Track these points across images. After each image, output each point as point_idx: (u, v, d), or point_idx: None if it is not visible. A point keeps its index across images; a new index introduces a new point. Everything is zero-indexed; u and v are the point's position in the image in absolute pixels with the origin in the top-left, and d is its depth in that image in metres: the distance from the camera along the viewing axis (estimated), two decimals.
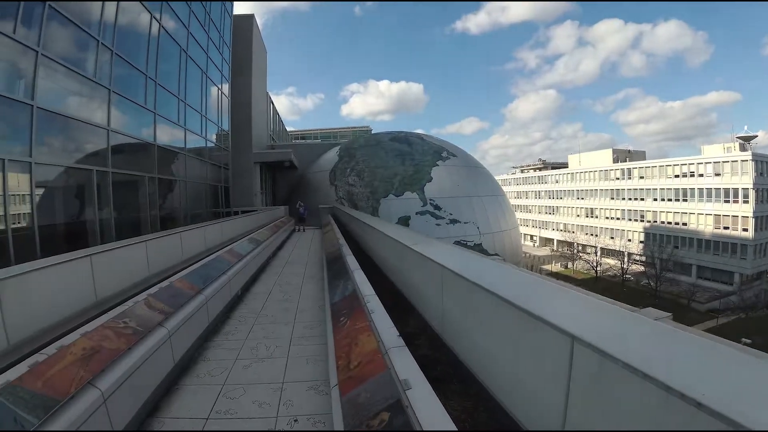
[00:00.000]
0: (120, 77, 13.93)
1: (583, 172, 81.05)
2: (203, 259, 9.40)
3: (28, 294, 5.04)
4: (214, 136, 25.48)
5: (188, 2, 20.49)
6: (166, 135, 17.93)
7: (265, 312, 8.90)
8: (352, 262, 7.91)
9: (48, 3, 10.13)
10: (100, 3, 12.75)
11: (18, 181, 9.61)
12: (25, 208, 9.89)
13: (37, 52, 9.92)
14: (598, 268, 61.78)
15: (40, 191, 10.26)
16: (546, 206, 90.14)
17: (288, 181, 42.35)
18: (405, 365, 3.40)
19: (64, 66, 11.05)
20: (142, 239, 8.17)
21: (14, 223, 9.42)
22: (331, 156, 39.86)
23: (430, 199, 33.69)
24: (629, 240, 67.61)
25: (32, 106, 9.78)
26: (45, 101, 10.21)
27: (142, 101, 15.59)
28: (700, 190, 57.67)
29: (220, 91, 26.55)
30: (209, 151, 24.19)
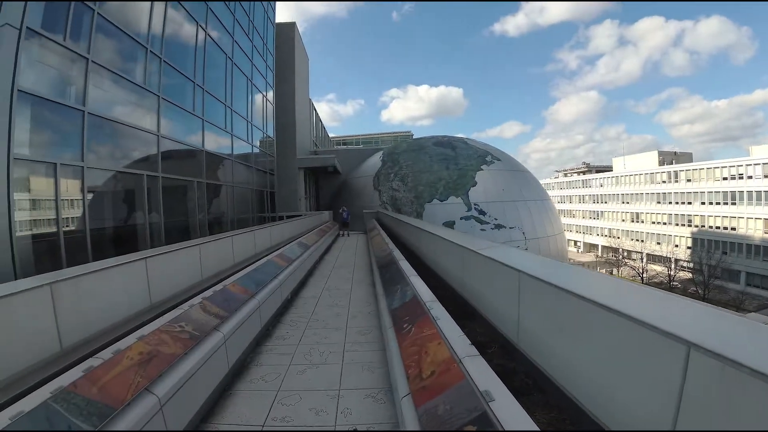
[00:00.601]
0: (168, 84, 14.17)
1: (628, 176, 78.62)
2: (254, 263, 9.31)
3: (83, 297, 4.97)
4: (259, 142, 25.77)
5: (232, 11, 20.79)
6: (214, 141, 18.17)
7: (316, 316, 8.71)
8: (406, 267, 7.63)
9: (97, 12, 10.32)
10: (148, 12, 12.99)
11: (69, 186, 9.79)
12: (77, 212, 10.07)
13: (87, 59, 10.11)
14: (644, 275, 59.36)
15: (91, 195, 10.43)
16: (590, 211, 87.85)
17: (331, 186, 42.59)
18: (483, 375, 3.09)
19: (114, 73, 11.27)
20: (196, 243, 8.13)
21: (66, 226, 9.58)
22: (375, 161, 39.84)
23: (475, 204, 33.16)
24: (676, 245, 64.93)
25: (83, 111, 9.97)
26: (95, 107, 10.40)
27: (190, 108, 15.83)
28: (749, 192, 54.97)
29: (264, 98, 26.86)
30: (255, 157, 24.45)
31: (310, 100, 43.58)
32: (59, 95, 9.48)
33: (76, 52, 9.84)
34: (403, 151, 39.06)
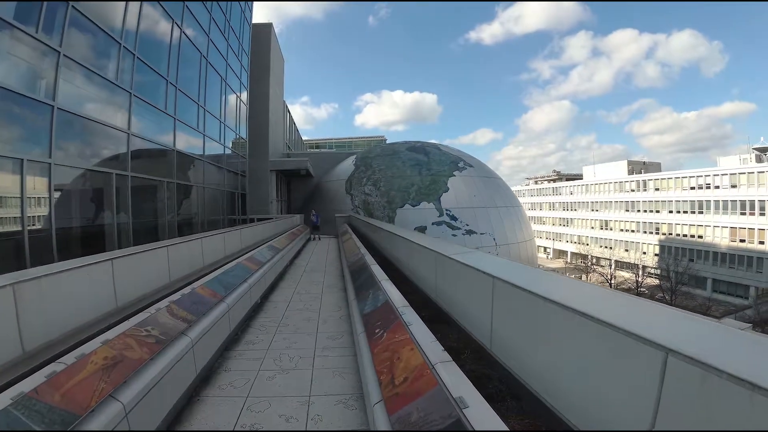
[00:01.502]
0: (141, 81, 13.89)
1: (597, 184, 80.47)
2: (224, 265, 9.16)
3: (46, 298, 4.80)
4: (232, 143, 25.49)
5: (209, 9, 20.53)
6: (185, 140, 17.87)
7: (286, 321, 8.62)
8: (378, 272, 7.61)
9: (71, 4, 10.06)
10: (123, 7, 12.72)
11: (36, 183, 9.48)
12: (43, 210, 9.75)
13: (59, 53, 9.85)
14: (613, 281, 60.68)
15: (58, 193, 10.13)
16: (560, 218, 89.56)
17: (303, 189, 42.27)
18: (456, 381, 3.09)
19: (86, 68, 10.99)
20: (164, 244, 7.95)
21: (31, 225, 9.26)
22: (347, 165, 39.70)
23: (447, 210, 33.37)
24: (644, 253, 66.78)
25: (53, 106, 9.69)
26: (65, 102, 10.12)
27: (162, 106, 15.56)
28: (716, 202, 57.11)
29: (238, 99, 26.58)
30: (227, 158, 24.16)
31: (284, 102, 43.25)
32: (28, 89, 9.18)
33: (48, 45, 9.56)
34: (376, 156, 39.06)
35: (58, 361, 3.78)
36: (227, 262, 9.60)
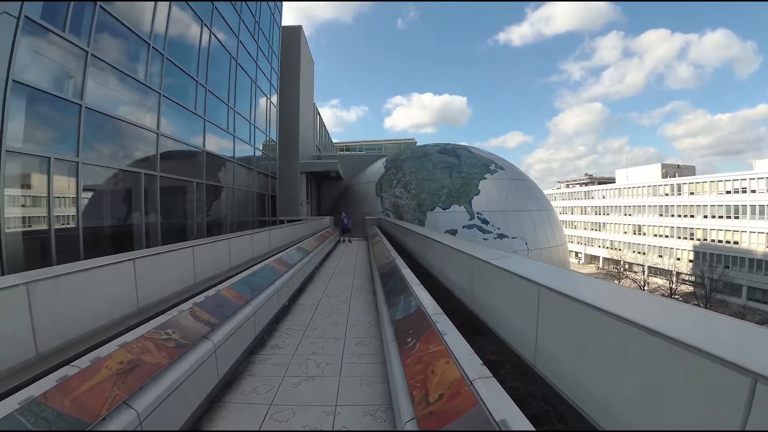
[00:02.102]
0: (170, 82, 13.91)
1: (630, 188, 78.59)
2: (251, 267, 8.98)
3: (63, 298, 4.62)
4: (262, 145, 25.51)
5: (238, 11, 20.59)
6: (215, 141, 17.89)
7: (314, 325, 8.37)
8: (410, 276, 7.28)
9: (99, 5, 10.07)
10: (152, 9, 12.75)
11: (63, 182, 9.48)
12: (70, 210, 9.73)
13: (87, 52, 9.86)
14: (646, 288, 58.88)
15: (85, 192, 10.12)
16: (592, 222, 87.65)
17: (333, 191, 42.28)
18: (498, 400, 2.75)
19: (115, 68, 11.01)
20: (189, 245, 7.77)
21: (58, 224, 9.25)
22: (377, 167, 39.53)
23: (478, 213, 32.84)
24: (678, 259, 64.81)
25: (81, 105, 9.68)
26: (94, 102, 10.14)
27: (192, 107, 15.55)
28: (753, 207, 55.06)
29: (268, 101, 26.64)
30: (257, 160, 24.17)
31: (314, 104, 43.38)
32: (57, 88, 9.20)
33: (76, 45, 9.58)
34: (407, 158, 38.76)
35: (71, 364, 3.59)
36: (255, 264, 9.42)
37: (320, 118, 50.03)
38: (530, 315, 3.65)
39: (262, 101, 25.37)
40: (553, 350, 3.39)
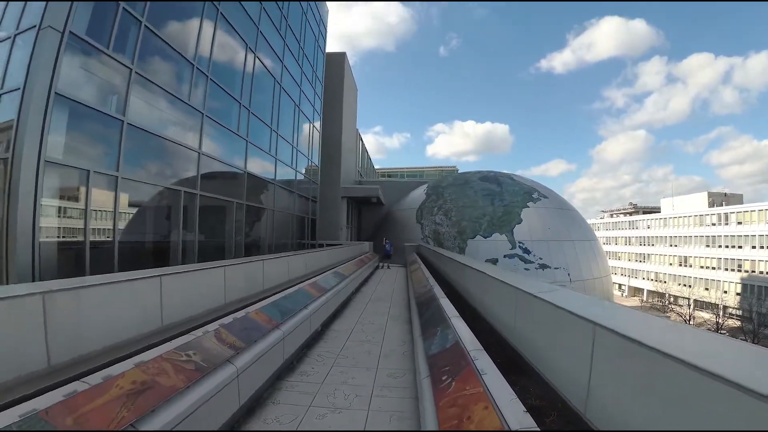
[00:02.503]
0: (213, 103, 14.10)
1: (676, 218, 75.87)
2: (285, 290, 8.75)
3: (82, 310, 4.44)
4: (304, 169, 25.64)
5: (283, 36, 20.97)
6: (257, 163, 18.02)
7: (346, 353, 8.02)
8: (448, 306, 6.87)
9: (144, 24, 10.30)
10: (197, 30, 13.03)
11: (101, 195, 9.56)
12: (107, 223, 9.77)
13: (131, 69, 10.05)
14: (691, 322, 55.79)
15: (123, 207, 10.17)
16: (636, 253, 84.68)
17: (374, 217, 42.11)
18: None
19: (158, 86, 11.21)
20: (220, 264, 7.60)
21: (94, 237, 9.28)
22: (419, 194, 39.21)
23: (520, 242, 31.94)
24: (725, 291, 61.36)
25: (123, 121, 9.83)
26: (136, 119, 10.33)
27: (235, 128, 15.71)
28: None
29: (311, 125, 26.92)
30: (298, 183, 24.30)
31: (357, 130, 43.73)
32: (99, 103, 9.35)
33: (119, 62, 9.78)
34: (448, 185, 38.32)
35: (82, 380, 3.39)
36: (289, 287, 9.19)
37: (362, 144, 50.38)
38: (582, 357, 3.20)
39: (305, 125, 25.65)
40: (609, 401, 2.93)
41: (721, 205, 71.48)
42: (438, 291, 8.68)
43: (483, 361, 3.96)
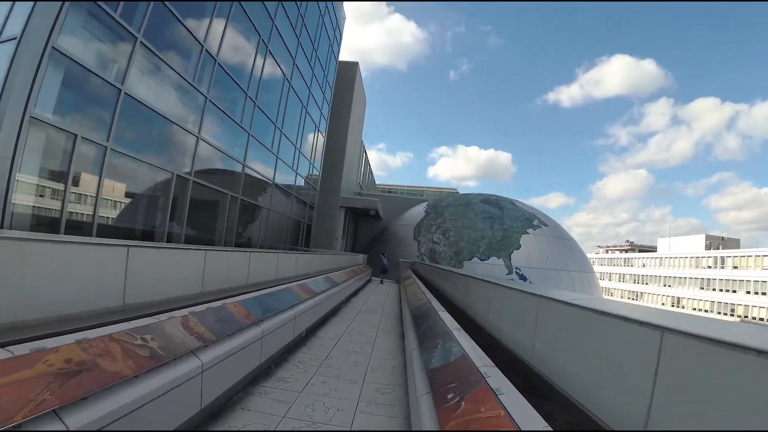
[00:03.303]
0: (219, 89, 13.45)
1: (672, 258, 75.70)
2: (271, 288, 8.01)
3: (26, 269, 3.70)
4: (305, 172, 24.95)
5: (297, 34, 20.46)
6: (257, 158, 17.25)
7: (330, 362, 7.27)
8: (449, 320, 6.14)
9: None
10: (211, 11, 12.47)
11: (87, 166, 8.81)
12: (88, 196, 8.91)
13: (136, 38, 9.40)
14: None
15: (109, 181, 9.40)
16: (629, 290, 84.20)
17: (371, 230, 41.34)
18: None
19: (162, 60, 10.56)
20: (201, 248, 6.86)
21: (72, 207, 8.44)
22: (418, 211, 38.56)
23: (517, 268, 31.28)
24: None
25: (120, 90, 9.16)
26: (134, 90, 9.69)
27: (238, 119, 15.04)
28: None
29: (317, 129, 26.32)
30: (297, 186, 23.55)
31: (362, 142, 43.21)
32: (98, 67, 8.63)
33: (125, 28, 9.11)
34: (449, 205, 37.68)
35: (6, 347, 2.67)
36: (275, 286, 8.46)
37: (366, 156, 49.86)
38: (643, 379, 2.44)
39: (310, 128, 25.01)
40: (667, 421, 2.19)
41: (718, 248, 71.50)
42: (436, 304, 7.96)
43: (496, 379, 3.25)
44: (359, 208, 34.24)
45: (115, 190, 9.89)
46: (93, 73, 8.43)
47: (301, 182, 24.43)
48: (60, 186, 8.08)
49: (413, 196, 56.11)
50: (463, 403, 2.93)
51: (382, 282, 25.80)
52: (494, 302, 6.19)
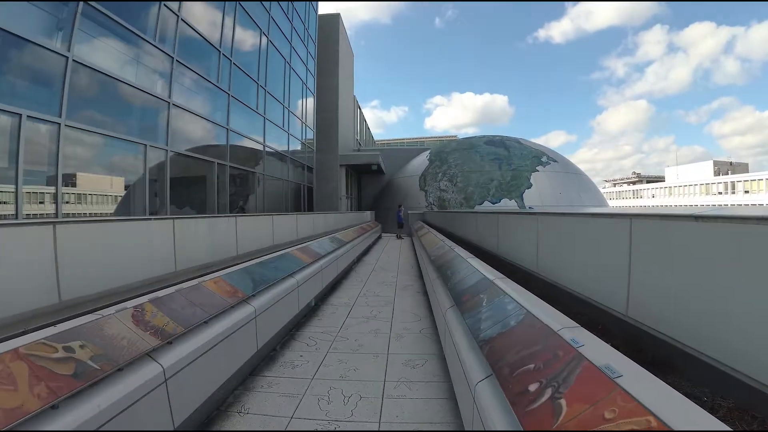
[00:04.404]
0: (187, 48, 11.91)
1: (681, 186, 73.99)
2: (266, 255, 6.82)
3: None
4: (298, 134, 23.44)
5: None
6: (243, 120, 15.75)
7: (346, 333, 6.15)
8: (483, 267, 4.93)
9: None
10: None
11: (41, 147, 7.45)
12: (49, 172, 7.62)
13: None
14: None
15: (72, 161, 8.11)
16: None
17: (374, 186, 39.82)
18: None
19: (113, 20, 9.04)
20: (168, 217, 5.63)
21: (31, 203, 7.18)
22: (421, 160, 36.88)
23: (530, 207, 29.89)
24: None
25: (67, 58, 7.72)
26: (85, 56, 8.17)
27: (214, 79, 13.53)
28: None
29: (304, 86, 24.58)
30: (291, 148, 22.03)
31: (354, 97, 41.24)
32: (40, 36, 7.25)
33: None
34: (452, 150, 35.93)
35: None
36: (272, 253, 7.26)
37: (360, 112, 47.81)
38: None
39: (297, 85, 23.29)
40: None
41: (727, 173, 69.97)
42: (462, 251, 6.73)
43: (594, 348, 2.07)
44: (360, 164, 32.69)
45: (81, 166, 8.57)
46: (33, 42, 7.03)
47: (296, 144, 22.94)
48: (10, 174, 6.80)
49: (414, 147, 54.21)
50: (563, 401, 1.74)
51: (399, 237, 24.63)
52: (557, 237, 4.78)
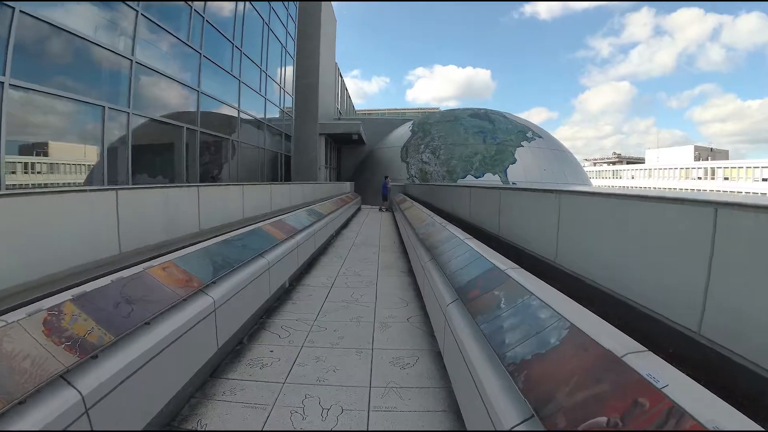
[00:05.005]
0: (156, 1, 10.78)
1: (661, 169, 74.61)
2: (232, 231, 6.03)
3: None
4: (276, 100, 22.28)
5: None
6: (215, 82, 14.63)
7: (323, 322, 5.43)
8: (489, 252, 4.24)
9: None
10: None
11: None
12: None
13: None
14: None
15: (17, 126, 7.11)
16: None
17: (355, 157, 38.72)
18: None
19: None
20: (110, 188, 4.77)
21: None
22: (403, 131, 35.90)
23: (513, 183, 29.34)
24: None
25: (13, 9, 6.63)
26: (31, 8, 7.09)
27: (184, 37, 12.40)
28: None
29: (284, 49, 23.28)
30: (269, 114, 20.90)
31: (336, 64, 39.79)
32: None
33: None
34: (436, 122, 35.01)
35: None
36: (241, 228, 6.47)
37: (342, 81, 46.35)
38: None
39: (276, 48, 21.99)
40: None
41: (707, 159, 70.74)
42: (455, 229, 6.04)
43: (683, 390, 1.40)
44: (341, 133, 31.57)
45: (30, 132, 7.56)
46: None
47: (274, 111, 21.79)
48: None
49: (396, 118, 53.00)
50: None
51: (381, 210, 23.75)
52: (559, 217, 4.07)
